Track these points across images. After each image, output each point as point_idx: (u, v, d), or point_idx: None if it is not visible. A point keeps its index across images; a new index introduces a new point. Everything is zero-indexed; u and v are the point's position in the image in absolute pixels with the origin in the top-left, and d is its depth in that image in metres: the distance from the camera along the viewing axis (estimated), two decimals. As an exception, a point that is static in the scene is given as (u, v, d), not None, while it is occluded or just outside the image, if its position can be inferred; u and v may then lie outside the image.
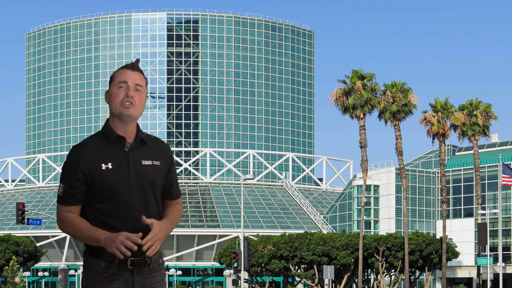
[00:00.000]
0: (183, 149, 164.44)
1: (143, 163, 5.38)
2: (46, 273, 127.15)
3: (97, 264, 5.36)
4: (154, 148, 5.48)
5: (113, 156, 5.33)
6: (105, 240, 5.15)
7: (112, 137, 5.37)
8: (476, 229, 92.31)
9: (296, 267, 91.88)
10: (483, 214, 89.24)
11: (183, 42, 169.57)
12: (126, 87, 5.37)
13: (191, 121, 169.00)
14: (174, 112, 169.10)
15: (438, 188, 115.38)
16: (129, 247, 5.11)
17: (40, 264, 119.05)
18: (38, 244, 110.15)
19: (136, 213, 5.32)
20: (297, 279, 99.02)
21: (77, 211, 5.36)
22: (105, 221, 5.30)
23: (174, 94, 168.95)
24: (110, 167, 5.29)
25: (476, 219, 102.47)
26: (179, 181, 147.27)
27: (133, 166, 5.35)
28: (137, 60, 5.50)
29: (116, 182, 5.26)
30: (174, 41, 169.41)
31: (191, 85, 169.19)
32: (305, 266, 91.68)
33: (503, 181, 79.75)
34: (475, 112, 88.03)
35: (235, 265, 61.84)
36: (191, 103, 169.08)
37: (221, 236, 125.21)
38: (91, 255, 5.39)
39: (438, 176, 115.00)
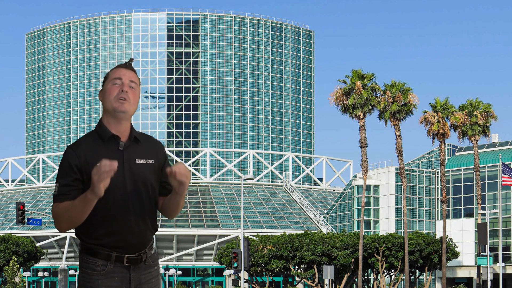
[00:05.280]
0: (183, 149, 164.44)
1: (137, 162, 5.41)
2: (46, 273, 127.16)
3: (94, 262, 5.41)
4: (147, 146, 5.51)
5: (108, 155, 5.32)
6: (94, 191, 5.04)
7: (106, 136, 5.39)
8: (476, 229, 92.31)
9: (296, 267, 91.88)
10: (483, 214, 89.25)
11: (183, 42, 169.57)
12: (121, 83, 5.40)
13: (191, 121, 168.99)
14: (174, 112, 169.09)
15: (438, 188, 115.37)
16: (108, 168, 5.01)
17: (40, 264, 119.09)
18: (38, 244, 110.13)
19: (130, 211, 5.36)
20: (297, 279, 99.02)
21: None
22: (99, 219, 5.33)
23: (174, 94, 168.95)
24: None
25: (476, 219, 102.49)
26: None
27: (128, 165, 5.37)
28: (131, 60, 5.53)
29: (111, 181, 5.20)
30: (174, 41, 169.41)
31: (191, 85, 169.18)
32: (305, 266, 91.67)
33: (503, 181, 79.75)
34: (475, 112, 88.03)
35: (235, 265, 61.84)
36: (191, 103, 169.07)
37: (221, 236, 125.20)
38: (87, 254, 5.45)
39: (438, 176, 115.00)
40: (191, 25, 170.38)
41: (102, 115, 5.49)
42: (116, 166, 5.03)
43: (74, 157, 5.30)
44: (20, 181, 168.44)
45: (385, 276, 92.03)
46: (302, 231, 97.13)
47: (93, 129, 5.55)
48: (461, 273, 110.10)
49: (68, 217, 5.24)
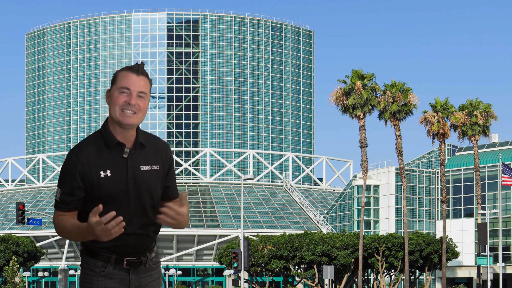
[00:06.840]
0: (183, 149, 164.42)
1: (142, 169, 5.29)
2: (46, 273, 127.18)
3: (94, 263, 5.40)
4: (153, 151, 5.37)
5: (112, 162, 5.24)
6: (95, 238, 5.09)
7: (111, 143, 5.26)
8: (476, 229, 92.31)
9: (296, 267, 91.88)
10: (483, 214, 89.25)
11: (183, 42, 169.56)
12: (129, 93, 5.20)
13: (191, 121, 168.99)
14: (174, 112, 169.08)
15: (438, 188, 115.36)
16: (117, 226, 5.02)
17: (40, 264, 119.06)
18: (38, 244, 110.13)
19: (132, 219, 5.29)
20: (297, 279, 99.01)
21: (73, 215, 5.29)
22: None
23: (174, 94, 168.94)
24: (109, 174, 5.21)
25: (476, 219, 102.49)
26: (179, 181, 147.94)
27: (132, 173, 5.27)
28: (143, 64, 5.31)
29: (114, 190, 5.19)
30: (174, 41, 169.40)
31: (191, 85, 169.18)
32: (305, 266, 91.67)
33: (503, 181, 79.76)
34: (475, 112, 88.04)
35: (235, 265, 61.85)
36: (191, 103, 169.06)
37: (221, 236, 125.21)
38: (87, 255, 5.44)
39: (438, 176, 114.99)
40: (191, 25, 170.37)
41: (108, 118, 5.33)
42: (123, 227, 5.02)
43: (77, 164, 5.19)
44: (20, 181, 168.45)
45: (385, 276, 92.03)
46: (302, 231, 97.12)
47: (95, 129, 5.47)
48: (461, 273, 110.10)
49: (67, 236, 5.30)
